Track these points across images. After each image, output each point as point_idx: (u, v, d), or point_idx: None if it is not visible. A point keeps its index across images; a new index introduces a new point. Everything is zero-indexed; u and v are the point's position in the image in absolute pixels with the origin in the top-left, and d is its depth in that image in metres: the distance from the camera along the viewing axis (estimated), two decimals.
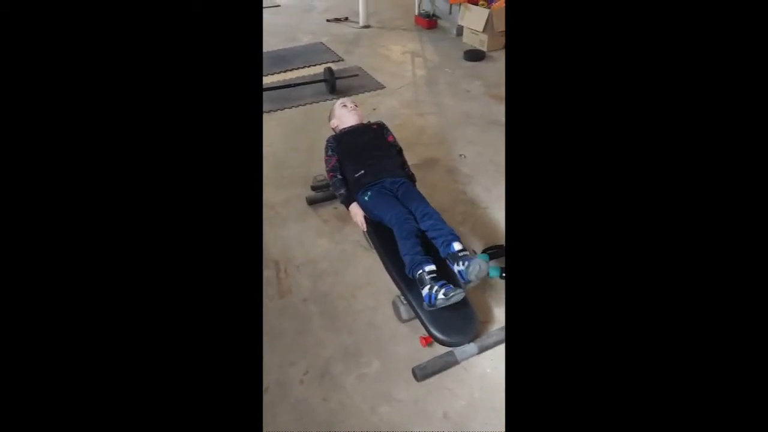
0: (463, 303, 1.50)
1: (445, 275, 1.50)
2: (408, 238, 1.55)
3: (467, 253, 1.53)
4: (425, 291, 1.45)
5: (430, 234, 1.60)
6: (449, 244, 1.54)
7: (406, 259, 1.53)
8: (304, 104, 3.04)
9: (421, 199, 1.71)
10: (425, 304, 1.45)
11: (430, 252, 1.56)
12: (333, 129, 2.09)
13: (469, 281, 1.47)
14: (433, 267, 1.48)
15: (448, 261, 1.55)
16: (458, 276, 1.51)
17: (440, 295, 1.40)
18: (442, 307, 1.44)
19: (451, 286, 1.42)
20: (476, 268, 1.44)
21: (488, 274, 1.62)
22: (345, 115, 2.04)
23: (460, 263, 1.49)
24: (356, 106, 2.10)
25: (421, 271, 1.47)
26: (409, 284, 1.52)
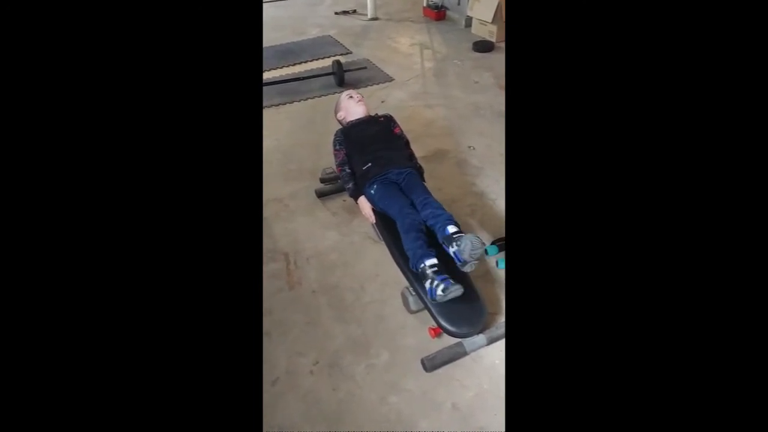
0: (472, 295, 1.50)
1: (447, 267, 1.49)
2: (409, 232, 1.55)
3: (462, 234, 1.49)
4: (427, 285, 1.45)
5: (429, 222, 1.59)
6: (444, 229, 1.53)
7: (409, 254, 1.53)
8: (313, 97, 3.04)
9: (422, 188, 1.71)
10: (428, 297, 1.46)
11: (433, 243, 1.55)
12: (339, 121, 2.09)
13: (466, 262, 1.44)
14: (434, 261, 1.48)
15: (444, 245, 1.53)
16: (454, 259, 1.48)
17: (439, 291, 1.40)
18: (451, 299, 1.44)
19: (450, 281, 1.41)
20: (468, 244, 1.40)
21: (486, 252, 1.61)
22: (352, 106, 2.04)
23: (454, 244, 1.46)
24: (362, 97, 2.10)
25: (423, 264, 1.47)
26: (417, 276, 1.52)
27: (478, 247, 1.42)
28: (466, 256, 1.42)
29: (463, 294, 1.47)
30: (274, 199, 2.16)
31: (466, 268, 1.48)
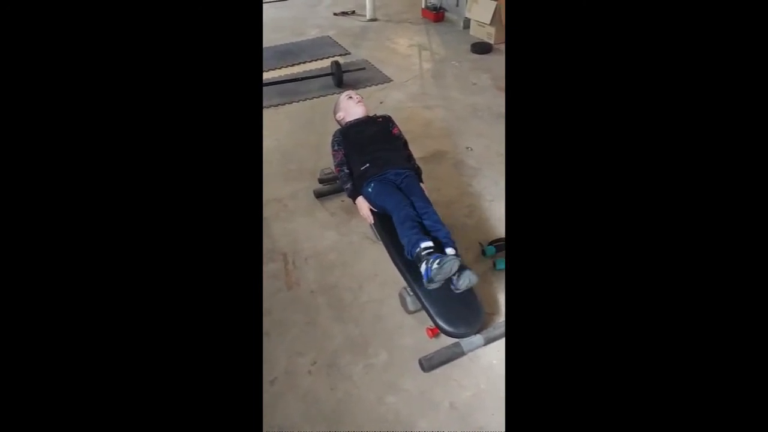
0: (470, 295, 1.51)
1: (441, 250, 1.51)
2: (405, 222, 1.57)
3: (461, 266, 1.51)
4: (423, 267, 1.45)
5: None
6: (443, 249, 1.54)
7: (404, 242, 1.54)
8: (312, 98, 3.05)
9: (422, 195, 1.71)
10: (424, 281, 1.46)
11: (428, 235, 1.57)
12: (338, 122, 2.09)
13: (458, 288, 1.47)
14: (429, 243, 1.49)
15: None
16: (450, 283, 1.50)
17: (434, 266, 1.40)
18: (449, 299, 1.45)
19: (445, 255, 1.42)
20: (466, 281, 1.44)
21: (484, 252, 1.72)
22: (351, 106, 2.04)
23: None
24: (361, 98, 2.10)
25: (417, 249, 1.48)
26: (415, 275, 1.52)
27: (474, 281, 1.47)
28: (461, 286, 1.46)
29: (461, 294, 1.48)
30: (273, 199, 2.16)
31: (457, 291, 1.50)
